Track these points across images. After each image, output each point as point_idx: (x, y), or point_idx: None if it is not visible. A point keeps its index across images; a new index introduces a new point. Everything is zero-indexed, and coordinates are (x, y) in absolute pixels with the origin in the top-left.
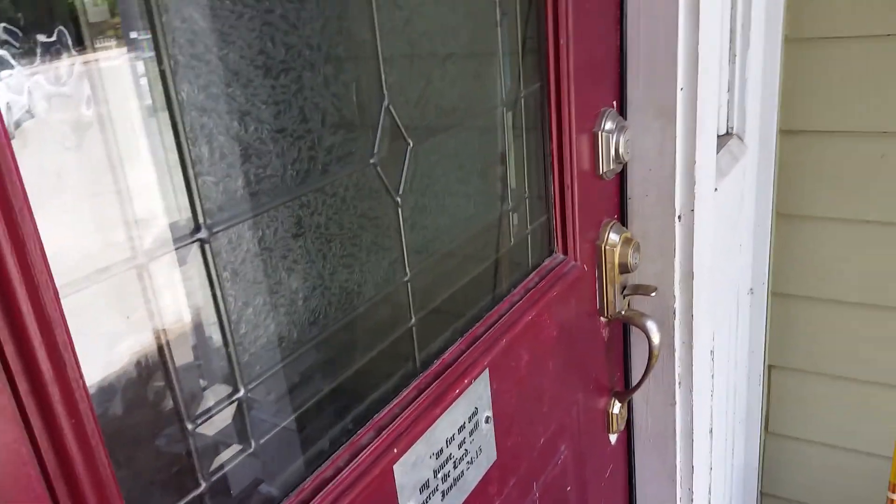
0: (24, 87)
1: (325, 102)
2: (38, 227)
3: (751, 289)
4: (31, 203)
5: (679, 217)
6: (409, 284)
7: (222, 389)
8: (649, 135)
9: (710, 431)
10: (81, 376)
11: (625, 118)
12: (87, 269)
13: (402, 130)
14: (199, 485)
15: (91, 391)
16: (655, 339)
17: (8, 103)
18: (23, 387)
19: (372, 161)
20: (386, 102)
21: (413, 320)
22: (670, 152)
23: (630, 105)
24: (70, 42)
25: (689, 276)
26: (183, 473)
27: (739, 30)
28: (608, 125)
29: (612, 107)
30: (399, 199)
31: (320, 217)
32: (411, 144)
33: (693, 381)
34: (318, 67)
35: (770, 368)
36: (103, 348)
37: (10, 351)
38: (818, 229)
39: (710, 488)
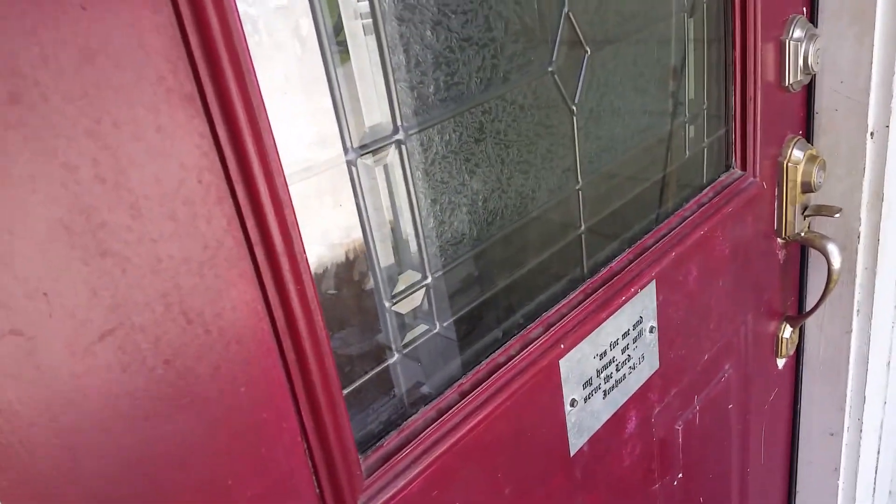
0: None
1: (508, 11)
2: (271, 121)
3: None
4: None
5: (872, 134)
6: (580, 192)
7: (413, 275)
8: (843, 43)
9: (888, 364)
10: (304, 250)
11: (815, 26)
12: (307, 163)
13: (581, 38)
14: (392, 355)
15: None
16: (836, 262)
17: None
18: (260, 255)
19: (550, 69)
20: (566, 9)
21: (582, 228)
22: (866, 63)
23: (822, 11)
24: None
25: (878, 197)
26: (380, 344)
27: None
28: (797, 33)
29: (802, 13)
30: (574, 108)
31: (500, 124)
32: (589, 52)
33: (873, 309)
34: None
35: None
36: (319, 231)
37: (250, 225)
38: None
39: (882, 423)
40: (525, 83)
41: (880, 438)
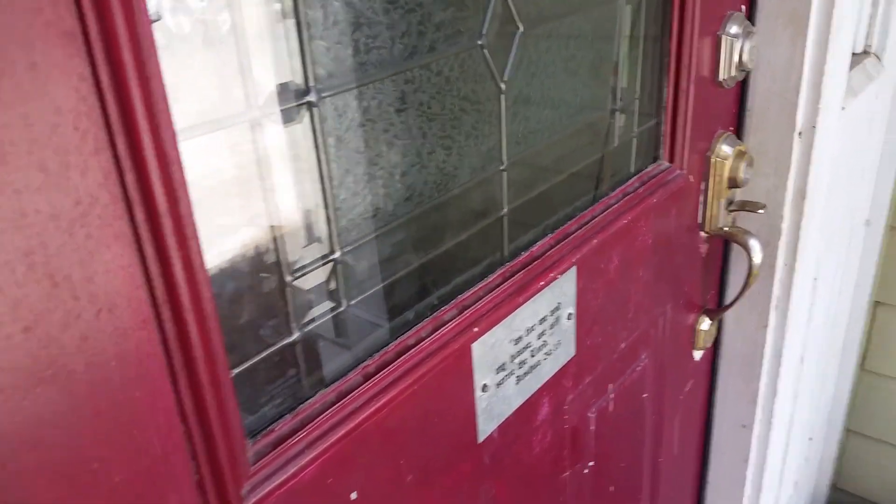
0: None
1: None
2: (162, 70)
3: (867, 220)
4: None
5: (800, 133)
6: (504, 174)
7: (319, 249)
8: (777, 43)
9: (802, 359)
10: (192, 214)
11: (753, 24)
12: (203, 118)
13: (514, 14)
14: (291, 333)
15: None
16: (757, 257)
17: None
18: (139, 215)
19: (479, 43)
20: None
21: (505, 210)
22: (798, 63)
23: (760, 10)
24: None
25: (801, 195)
26: (277, 321)
27: None
28: (734, 29)
29: (741, 10)
30: (503, 86)
31: (423, 95)
32: (521, 29)
33: (790, 305)
34: None
35: (876, 305)
36: (213, 193)
37: (130, 180)
38: None
39: (792, 416)
40: (452, 55)
41: (789, 432)
